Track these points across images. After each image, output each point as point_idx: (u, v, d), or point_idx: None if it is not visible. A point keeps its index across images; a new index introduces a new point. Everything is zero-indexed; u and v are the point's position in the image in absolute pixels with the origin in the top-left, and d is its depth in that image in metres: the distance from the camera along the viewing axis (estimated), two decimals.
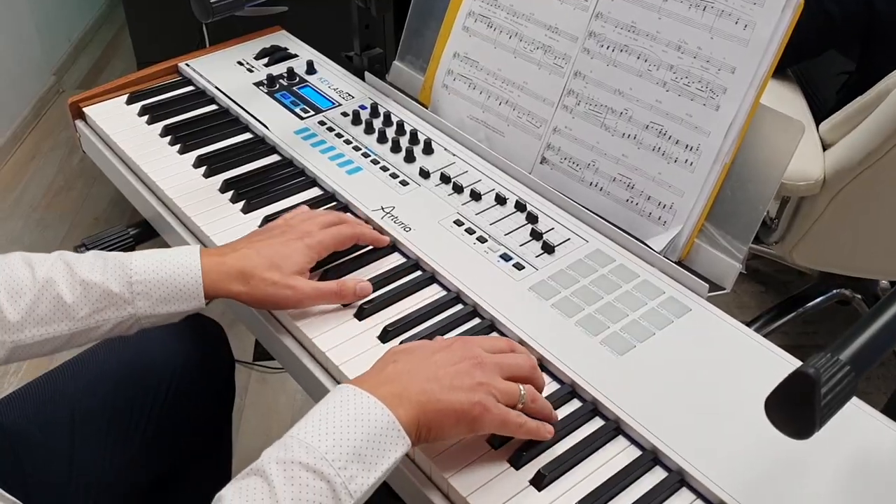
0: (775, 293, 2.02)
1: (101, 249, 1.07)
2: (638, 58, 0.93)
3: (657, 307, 0.84)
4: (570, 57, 0.99)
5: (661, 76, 0.91)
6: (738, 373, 0.78)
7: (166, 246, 1.05)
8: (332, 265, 0.89)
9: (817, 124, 1.44)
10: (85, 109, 1.18)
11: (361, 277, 0.87)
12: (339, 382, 0.80)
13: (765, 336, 1.84)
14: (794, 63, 1.58)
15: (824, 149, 1.40)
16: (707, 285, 0.85)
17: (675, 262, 0.90)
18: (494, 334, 0.83)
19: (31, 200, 2.38)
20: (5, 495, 0.67)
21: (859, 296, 1.85)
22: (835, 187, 1.37)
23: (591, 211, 0.96)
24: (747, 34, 0.85)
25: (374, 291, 0.87)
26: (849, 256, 1.52)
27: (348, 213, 0.96)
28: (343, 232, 0.88)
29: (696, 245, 0.90)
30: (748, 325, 1.80)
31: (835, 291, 1.85)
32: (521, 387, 0.70)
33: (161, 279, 0.78)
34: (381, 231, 0.94)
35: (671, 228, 0.91)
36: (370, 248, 0.92)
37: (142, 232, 1.10)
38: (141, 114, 1.17)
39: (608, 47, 0.95)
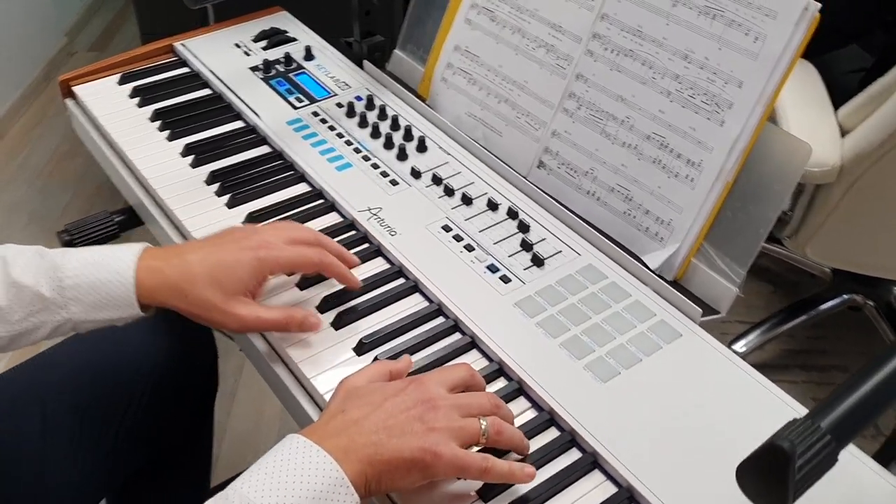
0: (784, 294, 1.98)
1: (85, 235, 1.05)
2: (642, 64, 0.88)
3: (647, 331, 0.80)
4: (572, 58, 0.95)
5: (666, 85, 0.87)
6: (728, 409, 0.74)
7: (151, 236, 1.03)
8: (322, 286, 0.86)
9: (836, 110, 1.39)
10: (75, 88, 1.15)
11: (312, 310, 0.81)
12: (310, 395, 0.78)
13: (771, 340, 1.82)
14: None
15: (843, 136, 1.35)
16: (700, 310, 0.81)
17: (670, 282, 0.87)
18: (474, 353, 0.79)
19: (36, 166, 2.37)
20: None
21: (871, 302, 1.81)
22: (852, 175, 1.32)
23: (586, 221, 0.92)
24: (757, 47, 0.80)
25: (355, 299, 0.84)
26: (864, 252, 1.47)
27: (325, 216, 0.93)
28: (306, 255, 0.79)
29: (692, 265, 0.86)
30: (755, 327, 1.78)
31: (846, 297, 1.80)
32: (482, 421, 0.66)
33: (92, 284, 0.73)
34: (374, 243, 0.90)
35: (668, 246, 0.87)
36: (351, 249, 0.88)
37: (127, 219, 1.07)
38: (132, 95, 1.14)
39: (612, 51, 0.91)
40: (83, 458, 0.92)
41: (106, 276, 0.74)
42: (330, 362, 0.78)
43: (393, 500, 0.68)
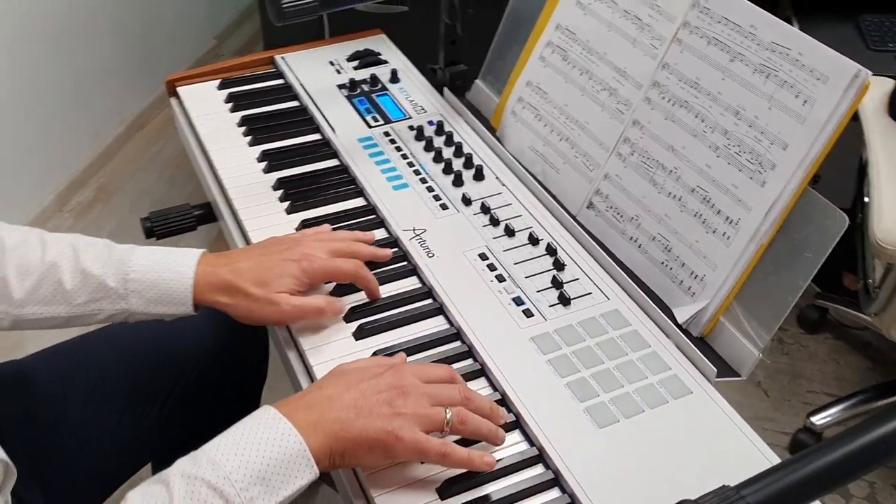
0: (882, 373, 1.86)
1: (165, 224, 1.13)
2: (695, 116, 0.88)
3: (657, 383, 0.79)
4: (631, 104, 0.95)
5: (715, 140, 0.86)
6: (722, 475, 0.72)
7: (221, 233, 1.10)
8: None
9: None
10: (179, 89, 1.25)
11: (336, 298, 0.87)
12: None
13: (855, 416, 1.72)
14: None
15: None
16: (715, 370, 0.80)
17: (697, 338, 0.85)
18: (482, 380, 0.81)
19: (168, 157, 2.54)
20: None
21: None
22: None
23: (623, 267, 0.92)
24: (805, 111, 0.78)
25: (381, 313, 0.87)
26: None
27: (372, 232, 0.97)
28: (343, 268, 0.86)
29: (720, 324, 0.85)
30: (841, 400, 1.69)
31: None
32: (447, 410, 0.69)
33: (154, 281, 0.82)
34: (404, 252, 0.94)
35: (698, 301, 0.86)
36: (388, 265, 0.92)
37: (205, 214, 1.15)
38: (227, 100, 1.22)
39: (669, 100, 0.91)
40: (127, 425, 0.99)
41: (168, 275, 0.82)
42: None
43: (357, 475, 0.72)
